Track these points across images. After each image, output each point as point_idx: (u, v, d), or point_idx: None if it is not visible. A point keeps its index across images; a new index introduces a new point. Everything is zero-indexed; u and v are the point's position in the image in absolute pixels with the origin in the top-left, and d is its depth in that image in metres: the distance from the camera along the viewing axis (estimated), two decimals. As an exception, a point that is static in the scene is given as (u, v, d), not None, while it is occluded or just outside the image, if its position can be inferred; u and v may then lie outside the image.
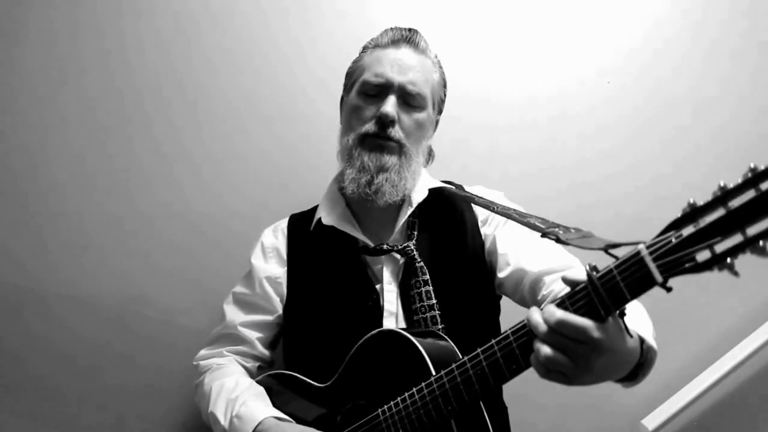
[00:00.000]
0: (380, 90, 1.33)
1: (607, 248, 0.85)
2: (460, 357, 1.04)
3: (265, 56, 1.84)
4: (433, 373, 1.05)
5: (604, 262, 0.84)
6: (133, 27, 1.82)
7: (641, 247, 0.77)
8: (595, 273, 0.82)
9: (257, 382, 1.35)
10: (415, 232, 1.37)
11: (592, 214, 1.82)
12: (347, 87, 1.44)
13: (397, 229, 1.37)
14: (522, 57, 1.88)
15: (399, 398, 1.08)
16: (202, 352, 1.47)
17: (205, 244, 1.76)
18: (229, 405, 1.25)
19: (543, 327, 0.83)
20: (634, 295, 0.79)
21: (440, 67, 1.44)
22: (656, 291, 0.78)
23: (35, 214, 1.74)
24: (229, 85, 1.82)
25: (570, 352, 0.81)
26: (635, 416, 1.72)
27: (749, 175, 0.70)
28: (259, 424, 1.17)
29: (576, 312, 0.82)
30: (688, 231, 0.74)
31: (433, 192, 1.39)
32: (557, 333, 0.81)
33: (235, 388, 1.28)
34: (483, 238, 1.38)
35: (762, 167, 0.69)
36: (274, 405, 1.25)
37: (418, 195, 1.37)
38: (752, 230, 0.69)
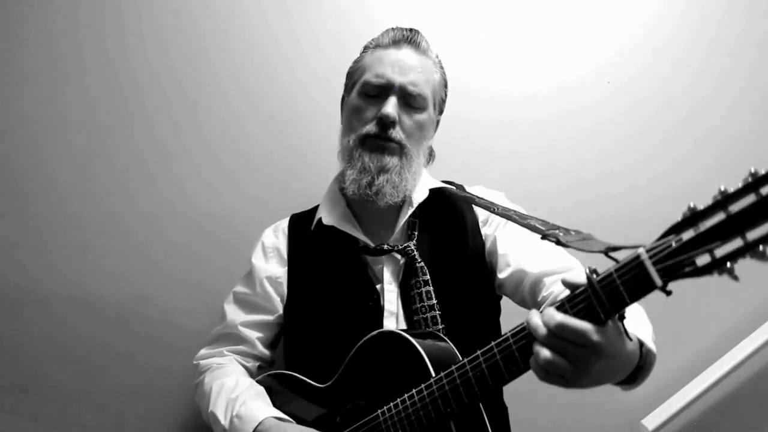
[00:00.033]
0: (381, 91, 1.32)
1: (607, 251, 0.85)
2: (460, 358, 1.04)
3: (265, 55, 1.84)
4: (433, 374, 1.05)
5: (604, 264, 0.84)
6: (134, 27, 1.82)
7: (641, 250, 0.77)
8: (595, 276, 0.82)
9: (257, 381, 1.36)
10: (416, 233, 1.37)
11: (591, 212, 1.82)
12: (348, 87, 1.44)
13: (397, 230, 1.37)
14: (522, 54, 1.89)
15: (399, 399, 1.08)
16: (203, 351, 1.47)
17: (205, 244, 1.76)
18: (229, 405, 1.25)
19: (542, 330, 0.82)
20: (634, 298, 0.79)
21: (441, 67, 1.43)
22: (656, 292, 0.78)
23: (36, 214, 1.74)
24: (230, 84, 1.83)
25: (569, 355, 0.81)
26: (635, 416, 1.72)
27: (749, 179, 0.70)
28: (260, 424, 1.17)
29: (576, 315, 0.82)
30: (688, 235, 0.74)
31: (434, 192, 1.39)
32: (557, 336, 0.81)
33: (235, 388, 1.29)
34: (483, 238, 1.38)
35: (762, 172, 0.69)
36: (274, 405, 1.26)
37: (419, 195, 1.37)
38: (752, 235, 0.69)
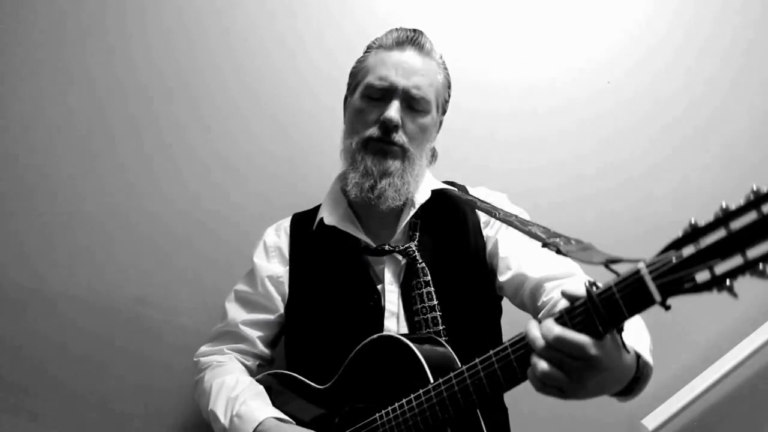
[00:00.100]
0: (384, 94, 1.32)
1: (607, 263, 0.85)
2: (459, 364, 1.04)
3: (269, 54, 1.84)
4: (431, 380, 1.06)
5: (604, 272, 0.85)
6: (138, 26, 1.82)
7: (641, 265, 0.77)
8: (594, 289, 0.81)
9: (257, 380, 1.36)
10: (417, 233, 1.37)
11: (591, 206, 1.84)
12: (351, 87, 1.43)
13: (399, 230, 1.37)
14: (523, 47, 1.89)
15: (397, 404, 1.08)
16: (203, 348, 1.47)
17: (209, 242, 1.77)
18: (229, 403, 1.25)
19: (541, 342, 0.82)
20: (633, 313, 0.78)
21: (445, 68, 1.42)
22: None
23: (40, 213, 1.74)
24: (234, 83, 1.82)
25: (566, 367, 0.81)
26: (635, 416, 1.72)
27: (751, 197, 0.69)
28: (260, 424, 1.18)
29: (574, 327, 0.82)
30: (688, 251, 0.73)
31: (436, 193, 1.39)
32: (554, 349, 0.81)
33: (235, 387, 1.29)
34: (485, 239, 1.37)
35: (765, 189, 0.68)
36: (274, 404, 1.26)
37: (421, 196, 1.37)
38: (753, 253, 0.69)
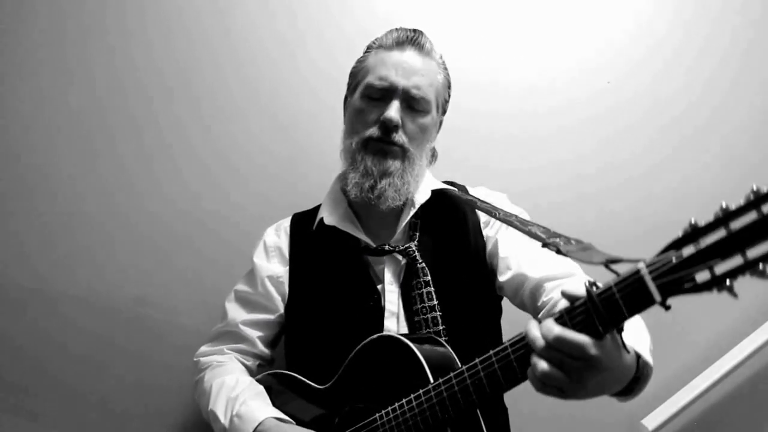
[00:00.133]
0: (384, 94, 1.32)
1: (607, 263, 0.85)
2: (459, 364, 1.04)
3: (270, 54, 1.84)
4: (431, 380, 1.06)
5: (603, 272, 0.85)
6: (139, 26, 1.82)
7: (641, 265, 0.77)
8: (594, 289, 0.81)
9: (257, 380, 1.36)
10: (417, 233, 1.37)
11: (591, 205, 1.84)
12: (351, 87, 1.43)
13: (399, 230, 1.37)
14: (523, 46, 1.89)
15: (397, 404, 1.09)
16: (203, 348, 1.47)
17: (208, 242, 1.77)
18: (229, 403, 1.25)
19: (541, 342, 0.82)
20: (633, 313, 0.78)
21: (445, 68, 1.42)
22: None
23: (41, 214, 1.74)
24: (235, 82, 1.82)
25: (566, 367, 0.81)
26: (635, 416, 1.72)
27: (751, 197, 0.69)
28: (260, 424, 1.18)
29: (574, 327, 0.82)
30: (688, 251, 0.73)
31: (436, 193, 1.39)
32: (554, 349, 0.81)
33: (235, 387, 1.29)
34: (485, 239, 1.37)
35: (765, 189, 0.68)
36: (274, 404, 1.26)
37: (421, 196, 1.37)
38: (753, 253, 0.69)
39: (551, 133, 1.87)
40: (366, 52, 1.42)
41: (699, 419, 1.78)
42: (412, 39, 1.35)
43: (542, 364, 0.81)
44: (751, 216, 0.69)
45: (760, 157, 1.85)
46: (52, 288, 1.71)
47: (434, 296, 1.29)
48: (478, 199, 1.34)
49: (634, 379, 0.92)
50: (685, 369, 1.76)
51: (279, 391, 1.33)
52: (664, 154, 1.87)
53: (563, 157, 1.86)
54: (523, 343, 0.91)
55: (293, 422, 1.21)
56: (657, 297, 0.75)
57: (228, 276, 1.57)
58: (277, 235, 1.48)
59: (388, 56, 1.34)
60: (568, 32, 1.89)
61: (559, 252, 0.98)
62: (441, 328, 1.26)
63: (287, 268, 1.43)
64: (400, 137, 1.30)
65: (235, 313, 1.45)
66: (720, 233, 0.71)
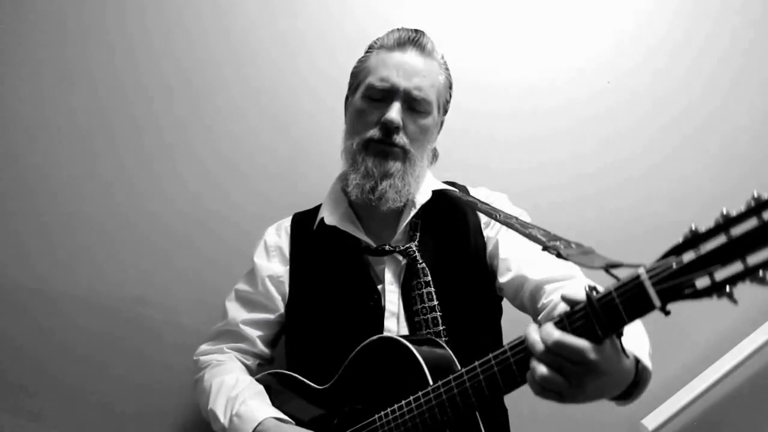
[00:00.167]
0: (385, 95, 1.31)
1: (608, 268, 0.84)
2: (458, 366, 1.04)
3: (270, 53, 1.83)
4: (431, 382, 1.06)
5: (603, 275, 0.85)
6: (139, 25, 1.81)
7: (641, 270, 0.77)
8: (594, 294, 0.81)
9: (257, 379, 1.36)
10: (418, 233, 1.37)
11: (591, 205, 1.84)
12: (352, 87, 1.43)
13: (399, 230, 1.37)
14: (523, 46, 1.89)
15: (396, 405, 1.09)
16: (203, 347, 1.48)
17: (208, 242, 1.77)
18: (229, 403, 1.26)
19: (540, 346, 0.82)
20: (632, 318, 0.79)
21: (446, 69, 1.42)
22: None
23: (41, 214, 1.74)
24: (235, 82, 1.82)
25: (566, 372, 0.81)
26: (635, 416, 1.72)
27: (752, 203, 0.69)
28: (259, 424, 1.18)
29: (574, 332, 0.82)
30: (688, 257, 0.73)
31: (437, 193, 1.39)
32: (554, 353, 0.81)
33: (235, 386, 1.29)
34: (485, 240, 1.37)
35: (766, 196, 0.68)
36: (273, 404, 1.26)
37: (422, 197, 1.37)
38: (753, 259, 0.69)
39: (551, 132, 1.87)
40: (367, 52, 1.42)
41: (699, 419, 1.78)
42: (413, 39, 1.34)
43: (541, 369, 0.82)
44: (751, 222, 0.69)
45: (760, 157, 1.85)
46: (52, 288, 1.71)
47: (434, 296, 1.29)
48: (479, 201, 1.34)
49: (632, 384, 0.92)
50: (685, 369, 1.76)
51: (278, 391, 1.33)
52: (664, 154, 1.87)
53: (563, 157, 1.86)
54: (522, 347, 0.91)
55: (293, 422, 1.21)
56: (657, 303, 0.75)
57: (228, 276, 1.56)
58: (278, 235, 1.48)
59: (390, 57, 1.33)
60: (568, 32, 1.89)
61: (559, 256, 0.98)
62: (441, 328, 1.26)
63: (288, 267, 1.43)
64: (401, 139, 1.30)
65: (236, 312, 1.45)
66: (720, 239, 0.71)
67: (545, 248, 1.03)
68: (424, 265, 1.30)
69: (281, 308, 1.42)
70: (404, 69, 1.31)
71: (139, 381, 1.71)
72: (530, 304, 1.25)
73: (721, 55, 1.88)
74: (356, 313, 1.31)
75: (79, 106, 1.78)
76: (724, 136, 1.87)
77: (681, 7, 1.90)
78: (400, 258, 1.33)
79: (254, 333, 1.43)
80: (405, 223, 1.36)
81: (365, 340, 1.20)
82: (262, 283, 1.43)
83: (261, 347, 1.44)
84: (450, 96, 1.44)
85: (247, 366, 1.43)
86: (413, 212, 1.36)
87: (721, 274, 0.71)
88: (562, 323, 0.84)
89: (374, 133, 1.30)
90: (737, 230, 0.70)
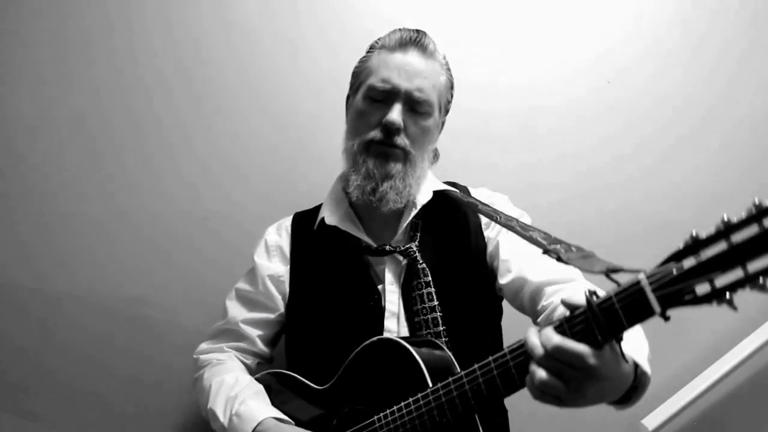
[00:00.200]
0: (386, 96, 1.30)
1: (608, 272, 0.84)
2: (458, 368, 1.04)
3: (271, 53, 1.83)
4: (430, 384, 1.06)
5: (603, 279, 0.85)
6: (141, 26, 1.81)
7: (641, 276, 0.77)
8: (594, 299, 0.81)
9: (257, 379, 1.37)
10: (418, 234, 1.36)
11: (591, 204, 1.85)
12: (353, 87, 1.42)
13: (400, 231, 1.36)
14: (523, 45, 1.89)
15: (395, 407, 1.09)
16: (203, 345, 1.48)
17: (209, 242, 1.76)
18: (228, 402, 1.26)
19: (540, 350, 0.83)
20: (632, 323, 0.79)
21: (448, 69, 1.41)
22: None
23: (42, 214, 1.74)
24: (236, 81, 1.82)
25: (565, 376, 0.81)
26: (635, 416, 1.72)
27: (753, 210, 0.68)
28: (259, 424, 1.18)
29: (573, 337, 0.82)
30: (689, 263, 0.73)
31: (438, 194, 1.39)
32: (553, 358, 0.81)
33: (234, 385, 1.29)
34: (486, 240, 1.37)
35: (766, 203, 0.68)
36: (273, 403, 1.26)
37: (423, 197, 1.36)
38: (753, 266, 0.69)
39: (551, 132, 1.86)
40: (369, 52, 1.41)
41: (699, 419, 1.78)
42: (415, 40, 1.34)
43: (541, 373, 0.82)
44: (752, 229, 0.69)
45: (759, 156, 1.85)
46: (52, 288, 1.71)
47: (435, 297, 1.28)
48: (480, 202, 1.34)
49: (631, 388, 0.93)
50: (685, 369, 1.76)
51: (278, 391, 1.33)
52: (663, 153, 1.87)
53: (563, 156, 1.86)
54: (522, 351, 0.91)
55: (292, 422, 1.21)
56: (657, 308, 0.75)
57: (228, 276, 1.56)
58: (279, 235, 1.48)
59: (391, 58, 1.33)
60: (568, 32, 1.89)
61: (559, 260, 0.98)
62: (441, 328, 1.26)
63: (288, 267, 1.43)
64: (402, 140, 1.29)
65: (236, 311, 1.45)
66: (721, 246, 0.71)
67: (546, 251, 1.03)
68: (424, 265, 1.30)
69: (281, 308, 1.42)
70: (406, 70, 1.30)
71: (139, 381, 1.71)
72: (530, 305, 1.25)
73: (720, 54, 1.88)
74: (356, 313, 1.31)
75: (80, 106, 1.78)
76: (723, 135, 1.87)
77: (680, 6, 1.89)
78: (401, 258, 1.33)
79: (254, 332, 1.43)
80: (405, 224, 1.36)
81: (365, 341, 1.20)
82: (263, 282, 1.43)
83: (261, 346, 1.44)
84: (451, 96, 1.44)
85: (246, 365, 1.43)
86: (414, 213, 1.36)
87: (721, 281, 0.71)
88: (562, 328, 0.84)
89: (375, 134, 1.30)
90: (738, 237, 0.70)
